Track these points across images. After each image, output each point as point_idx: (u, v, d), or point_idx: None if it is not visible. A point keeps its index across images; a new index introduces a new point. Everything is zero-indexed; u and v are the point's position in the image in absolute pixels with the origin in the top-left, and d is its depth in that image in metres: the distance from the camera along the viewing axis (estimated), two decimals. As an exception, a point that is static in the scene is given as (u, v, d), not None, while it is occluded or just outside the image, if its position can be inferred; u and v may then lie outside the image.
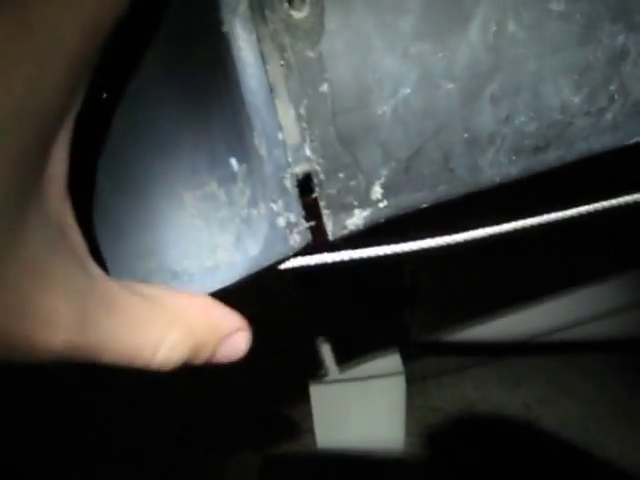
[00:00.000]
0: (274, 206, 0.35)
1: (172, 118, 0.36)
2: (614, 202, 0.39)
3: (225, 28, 0.34)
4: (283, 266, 0.37)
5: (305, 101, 0.34)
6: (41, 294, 0.24)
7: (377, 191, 0.37)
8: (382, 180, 0.37)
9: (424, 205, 0.38)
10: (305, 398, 1.30)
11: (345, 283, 1.22)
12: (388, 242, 0.39)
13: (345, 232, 0.38)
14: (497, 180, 0.38)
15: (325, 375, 1.25)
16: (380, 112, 0.35)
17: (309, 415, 1.32)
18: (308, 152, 0.35)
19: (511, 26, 0.35)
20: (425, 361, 1.51)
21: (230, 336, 0.33)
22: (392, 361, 1.30)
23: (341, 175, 0.36)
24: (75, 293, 0.25)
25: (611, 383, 1.66)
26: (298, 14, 0.34)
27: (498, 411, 1.64)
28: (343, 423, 1.29)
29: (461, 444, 1.55)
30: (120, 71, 0.35)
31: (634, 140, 0.39)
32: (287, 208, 0.35)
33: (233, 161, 0.36)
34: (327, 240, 0.38)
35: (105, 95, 0.34)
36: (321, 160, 0.35)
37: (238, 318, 0.34)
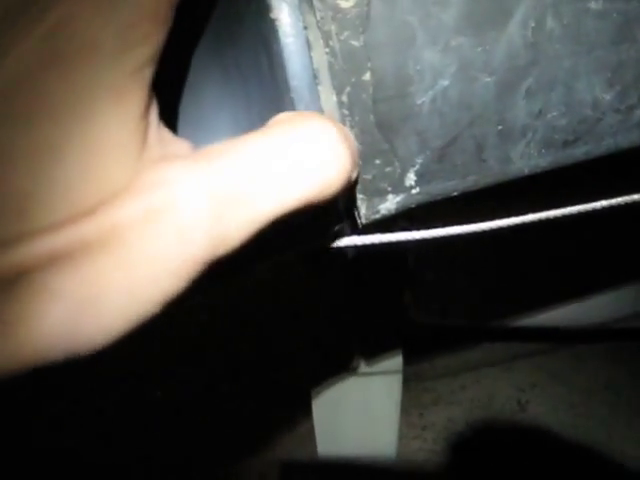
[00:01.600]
0: None
1: (213, 97, 0.37)
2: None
3: (273, 15, 0.34)
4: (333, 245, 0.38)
5: (348, 89, 0.35)
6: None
7: (411, 178, 0.38)
8: (417, 167, 0.38)
9: (455, 193, 0.40)
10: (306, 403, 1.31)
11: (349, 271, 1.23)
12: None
13: (377, 216, 0.39)
14: (526, 171, 0.40)
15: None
16: (419, 102, 0.36)
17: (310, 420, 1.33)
18: (348, 138, 0.36)
19: (550, 23, 0.36)
20: (422, 345, 1.53)
21: None
22: (392, 360, 1.32)
23: (378, 161, 0.37)
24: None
25: (602, 370, 1.69)
26: (345, 3, 0.35)
27: (490, 394, 1.67)
28: (342, 424, 1.30)
29: (452, 426, 1.58)
30: (165, 47, 0.36)
31: (659, 140, 0.41)
32: None
33: None
34: (358, 223, 0.40)
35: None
36: (360, 146, 0.37)
37: None
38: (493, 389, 1.69)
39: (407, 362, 1.35)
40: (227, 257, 0.25)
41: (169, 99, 0.36)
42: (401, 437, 1.44)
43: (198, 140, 0.36)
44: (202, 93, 0.37)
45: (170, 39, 0.35)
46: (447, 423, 1.62)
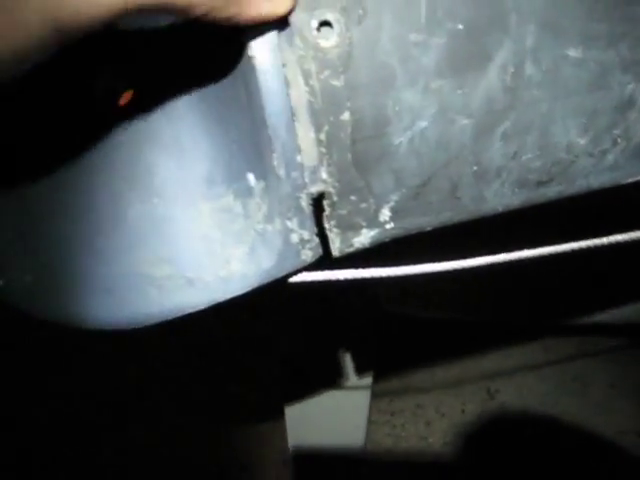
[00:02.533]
0: (289, 223, 0.37)
1: (192, 129, 0.37)
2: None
3: (251, 52, 0.34)
4: (293, 280, 0.39)
5: (326, 127, 0.36)
6: None
7: (385, 214, 0.39)
8: (391, 204, 0.38)
9: (428, 228, 0.40)
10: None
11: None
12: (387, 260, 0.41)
13: (351, 249, 0.40)
14: (499, 209, 0.40)
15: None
16: (396, 142, 0.37)
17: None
18: (324, 175, 0.37)
19: (529, 69, 0.37)
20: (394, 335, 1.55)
21: None
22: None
23: (353, 198, 0.37)
24: None
25: (571, 360, 1.72)
26: (326, 42, 0.35)
27: (460, 382, 1.70)
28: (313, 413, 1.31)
29: (421, 412, 1.61)
30: (146, 77, 0.36)
31: (631, 180, 0.42)
32: (301, 226, 0.37)
33: (251, 176, 0.37)
34: (331, 256, 0.40)
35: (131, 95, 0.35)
36: (336, 183, 0.37)
37: None
38: (463, 376, 1.71)
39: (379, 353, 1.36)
40: None
41: (144, 134, 0.36)
42: (370, 422, 1.46)
43: (176, 176, 0.36)
44: (180, 127, 0.37)
45: (152, 65, 0.35)
46: (416, 409, 1.65)
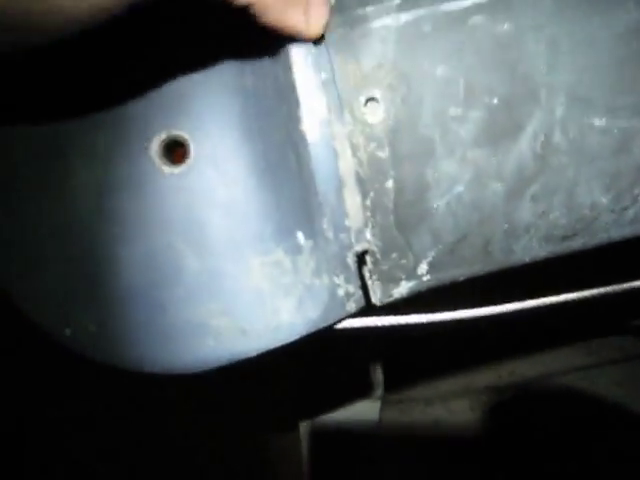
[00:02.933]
0: (336, 279, 0.40)
1: (245, 190, 0.40)
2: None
3: (303, 127, 0.38)
4: (339, 326, 0.42)
5: (372, 194, 0.39)
6: None
7: (423, 267, 0.42)
8: (429, 259, 0.42)
9: (461, 278, 0.44)
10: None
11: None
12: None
13: (390, 299, 0.43)
14: (526, 260, 0.44)
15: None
16: (435, 205, 0.40)
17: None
18: (369, 235, 0.40)
19: (557, 137, 0.40)
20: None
21: None
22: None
23: (394, 255, 0.41)
24: None
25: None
26: (373, 118, 0.38)
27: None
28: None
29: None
30: (202, 135, 0.40)
31: (647, 232, 0.45)
32: (347, 281, 0.41)
33: (300, 235, 0.40)
34: (371, 304, 0.44)
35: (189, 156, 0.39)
36: (379, 242, 0.40)
37: None
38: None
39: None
40: None
41: (201, 192, 0.40)
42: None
43: (229, 232, 0.40)
44: (234, 186, 0.40)
45: (209, 123, 0.38)
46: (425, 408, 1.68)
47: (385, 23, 0.38)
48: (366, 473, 1.36)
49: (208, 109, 0.39)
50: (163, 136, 0.39)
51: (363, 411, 1.41)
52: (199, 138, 0.39)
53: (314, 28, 0.35)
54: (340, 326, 0.43)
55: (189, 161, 0.39)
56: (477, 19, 0.38)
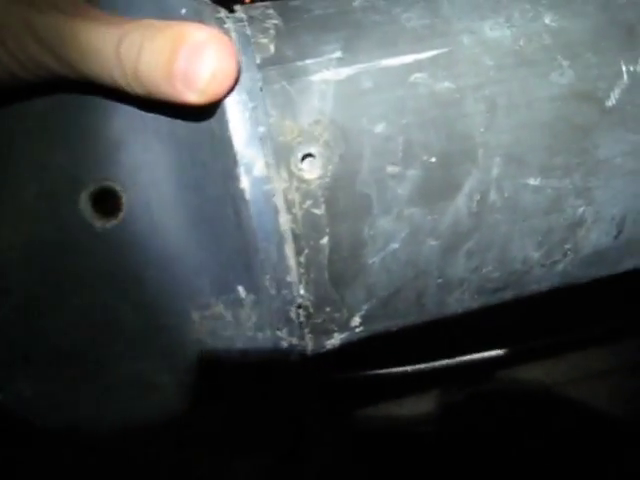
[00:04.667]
0: (279, 332, 0.40)
1: (179, 243, 0.39)
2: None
3: (242, 185, 0.36)
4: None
5: (306, 251, 0.38)
6: None
7: (356, 320, 0.42)
8: (362, 312, 0.41)
9: (394, 329, 0.43)
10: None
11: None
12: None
13: (322, 350, 0.42)
14: (459, 311, 0.44)
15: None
16: (370, 262, 0.39)
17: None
18: (302, 291, 0.39)
19: (492, 196, 0.40)
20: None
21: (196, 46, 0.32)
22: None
23: (327, 309, 0.40)
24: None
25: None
26: (309, 174, 0.37)
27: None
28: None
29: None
30: (139, 188, 0.38)
31: (576, 282, 0.46)
32: (290, 334, 0.40)
33: (240, 289, 0.39)
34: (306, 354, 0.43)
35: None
36: (312, 297, 0.40)
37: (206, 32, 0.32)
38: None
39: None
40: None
41: (135, 244, 0.38)
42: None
43: (167, 285, 0.38)
44: (169, 239, 0.39)
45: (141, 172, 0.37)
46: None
47: (325, 77, 0.37)
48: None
49: (141, 159, 0.37)
50: (92, 188, 0.36)
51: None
52: (132, 189, 0.37)
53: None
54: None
55: (121, 214, 0.37)
56: (418, 76, 0.38)
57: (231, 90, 0.35)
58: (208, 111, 0.36)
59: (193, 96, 0.33)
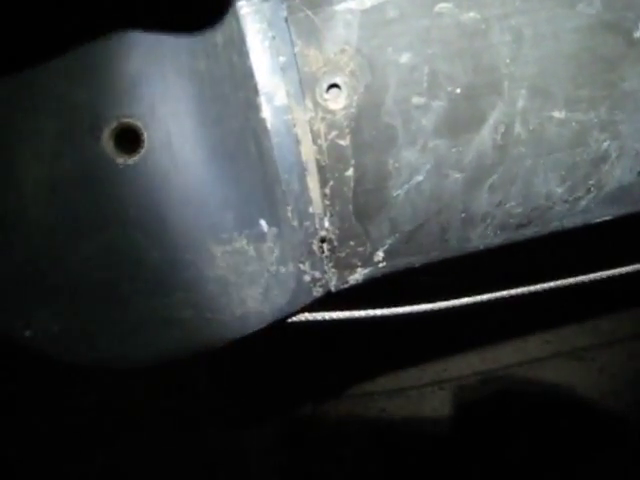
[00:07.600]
0: (302, 266, 0.40)
1: (202, 180, 0.39)
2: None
3: (263, 114, 0.36)
4: (295, 319, 0.42)
5: (331, 182, 0.38)
6: None
7: (379, 255, 0.42)
8: (385, 247, 0.42)
9: (417, 265, 0.44)
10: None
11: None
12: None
13: (346, 285, 0.43)
14: (481, 247, 0.44)
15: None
16: (394, 194, 0.40)
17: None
18: (327, 224, 0.39)
19: (517, 128, 0.40)
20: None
21: None
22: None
23: (352, 243, 0.41)
24: None
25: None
26: (335, 105, 0.37)
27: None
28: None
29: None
30: (160, 124, 0.38)
31: (598, 220, 0.46)
32: (313, 267, 0.40)
33: (263, 223, 0.39)
34: (330, 290, 0.44)
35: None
36: (337, 231, 0.40)
37: None
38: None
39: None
40: None
41: (157, 182, 0.38)
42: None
43: (189, 222, 0.38)
44: (191, 175, 0.39)
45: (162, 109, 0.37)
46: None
47: (350, 6, 0.37)
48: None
49: (161, 94, 0.37)
50: (114, 125, 0.36)
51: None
52: (153, 125, 0.37)
53: None
54: (297, 319, 0.43)
55: (143, 150, 0.37)
56: (443, 6, 0.37)
57: None
58: (228, 41, 0.36)
59: None
